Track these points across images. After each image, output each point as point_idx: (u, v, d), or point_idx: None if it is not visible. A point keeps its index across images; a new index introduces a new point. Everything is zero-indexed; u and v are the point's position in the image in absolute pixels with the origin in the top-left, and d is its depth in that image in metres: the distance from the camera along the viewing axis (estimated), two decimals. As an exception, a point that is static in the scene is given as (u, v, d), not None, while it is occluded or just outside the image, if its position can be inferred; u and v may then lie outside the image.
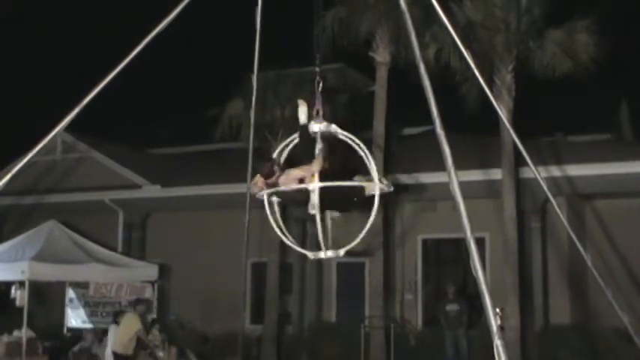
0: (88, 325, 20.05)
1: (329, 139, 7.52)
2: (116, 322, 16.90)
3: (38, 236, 18.76)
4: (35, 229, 19.22)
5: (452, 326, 18.39)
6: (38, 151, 7.44)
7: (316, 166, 7.06)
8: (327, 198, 7.04)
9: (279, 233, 7.41)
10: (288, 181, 7.06)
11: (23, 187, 19.59)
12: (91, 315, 20.30)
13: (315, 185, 6.95)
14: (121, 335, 16.28)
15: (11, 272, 17.41)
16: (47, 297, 21.64)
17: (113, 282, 19.80)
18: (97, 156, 24.26)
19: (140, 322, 16.45)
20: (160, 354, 17.12)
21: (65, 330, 20.65)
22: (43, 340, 18.55)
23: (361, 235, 7.22)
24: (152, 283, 19.85)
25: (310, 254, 7.40)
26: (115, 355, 16.23)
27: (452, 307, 18.49)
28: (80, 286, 20.28)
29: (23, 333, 17.30)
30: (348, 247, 7.25)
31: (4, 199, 21.18)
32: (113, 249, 21.81)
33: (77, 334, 19.94)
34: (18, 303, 17.84)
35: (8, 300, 18.35)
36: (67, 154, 24.31)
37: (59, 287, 20.76)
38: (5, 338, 17.91)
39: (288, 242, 7.56)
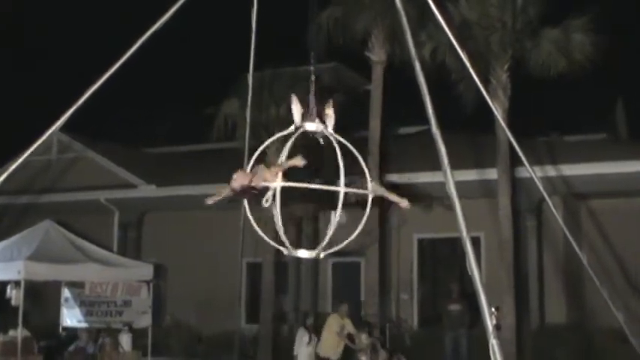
0: (84, 325, 20.03)
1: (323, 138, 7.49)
2: (304, 326, 16.63)
3: (34, 236, 18.71)
4: (31, 229, 19.17)
5: (454, 326, 18.34)
6: (34, 151, 7.43)
7: (278, 167, 7.04)
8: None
9: (258, 230, 7.41)
10: (258, 181, 7.02)
11: (19, 186, 19.56)
12: (87, 314, 20.28)
13: (277, 184, 6.96)
14: (323, 339, 16.03)
15: (7, 272, 17.37)
16: (43, 296, 21.60)
17: (109, 281, 19.79)
18: (92, 155, 24.27)
19: (341, 322, 15.97)
20: (363, 358, 16.21)
21: (61, 329, 20.63)
22: (38, 340, 18.51)
23: (347, 241, 7.21)
24: (147, 282, 19.82)
25: (285, 251, 7.38)
26: (319, 359, 15.95)
27: (455, 307, 18.42)
28: (76, 285, 20.25)
29: (19, 332, 17.26)
30: (328, 251, 7.23)
31: (0, 198, 21.16)
32: (109, 248, 21.77)
33: (72, 333, 19.91)
34: (13, 302, 17.82)
35: (4, 299, 18.33)
36: (63, 153, 24.31)
37: (55, 287, 20.73)
38: (0, 338, 17.87)
39: (266, 239, 7.56)
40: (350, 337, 16.16)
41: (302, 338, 16.42)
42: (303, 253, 7.39)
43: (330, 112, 7.41)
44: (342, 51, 19.05)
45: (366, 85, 21.15)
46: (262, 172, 7.02)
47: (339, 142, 7.27)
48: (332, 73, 23.22)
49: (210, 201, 7.45)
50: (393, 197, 7.54)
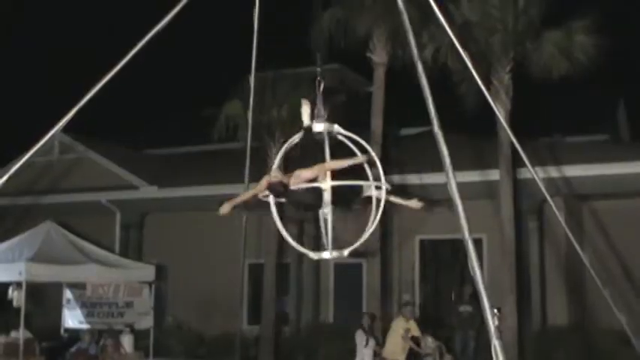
0: (85, 326, 20.03)
1: (330, 139, 7.49)
2: (361, 328, 16.22)
3: (35, 237, 18.73)
4: (33, 230, 19.18)
5: (464, 327, 18.29)
6: (35, 152, 7.42)
7: (333, 164, 7.00)
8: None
9: (284, 234, 7.38)
10: (299, 182, 6.95)
11: (21, 187, 19.56)
12: (88, 315, 20.28)
13: (327, 184, 6.92)
14: (388, 343, 15.62)
15: (9, 273, 17.39)
16: (44, 298, 21.61)
17: (110, 283, 19.79)
18: (94, 157, 24.28)
19: (405, 325, 15.51)
20: None
21: (62, 331, 20.64)
22: (40, 341, 18.55)
23: (365, 236, 7.19)
24: (149, 283, 19.83)
25: (314, 255, 7.35)
26: None
27: (465, 309, 18.37)
28: (77, 286, 20.25)
29: (20, 334, 17.28)
30: (352, 248, 7.22)
31: (2, 199, 21.16)
32: (110, 250, 21.78)
33: (74, 334, 19.93)
34: (15, 304, 17.85)
35: (5, 301, 18.35)
36: (65, 154, 24.32)
37: (56, 288, 20.74)
38: (2, 339, 17.91)
39: (292, 243, 7.52)
40: (415, 340, 15.81)
41: (361, 342, 16.05)
42: (333, 254, 7.35)
43: (305, 108, 7.38)
44: (344, 52, 19.05)
45: (368, 86, 21.14)
46: (304, 173, 6.95)
47: (346, 140, 7.27)
48: (334, 75, 23.24)
49: (226, 207, 7.34)
50: (402, 201, 7.50)
